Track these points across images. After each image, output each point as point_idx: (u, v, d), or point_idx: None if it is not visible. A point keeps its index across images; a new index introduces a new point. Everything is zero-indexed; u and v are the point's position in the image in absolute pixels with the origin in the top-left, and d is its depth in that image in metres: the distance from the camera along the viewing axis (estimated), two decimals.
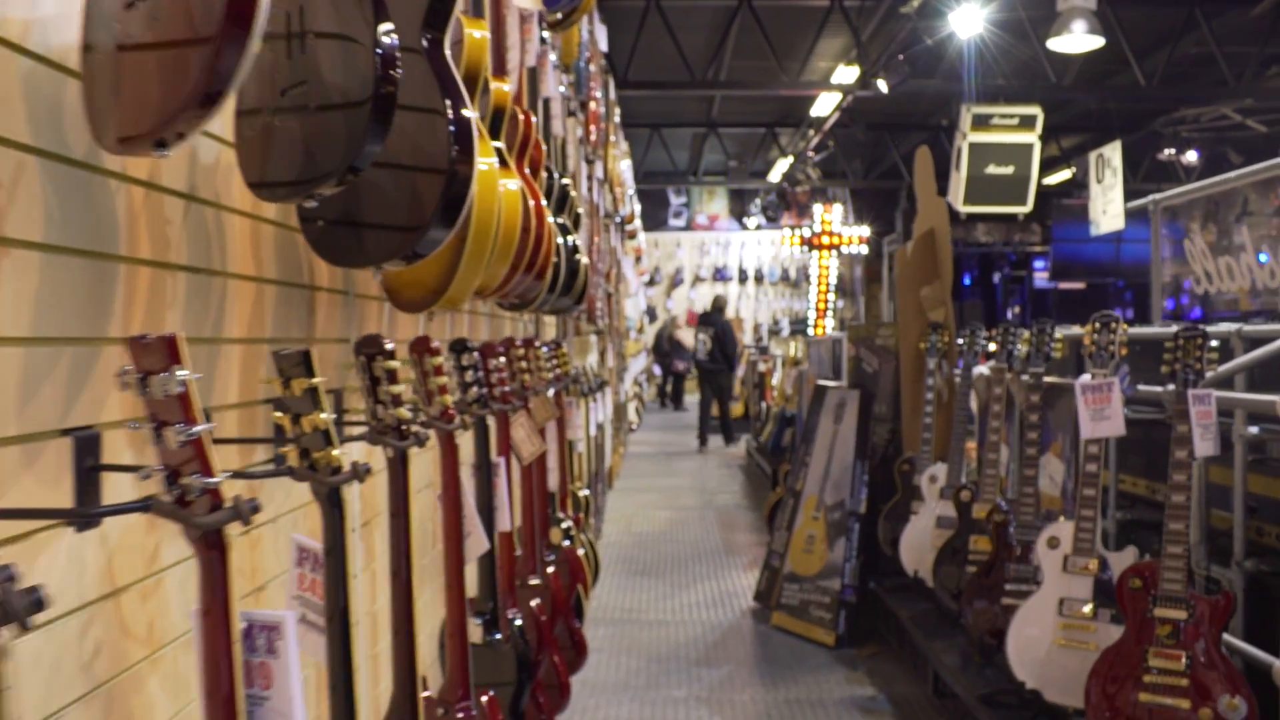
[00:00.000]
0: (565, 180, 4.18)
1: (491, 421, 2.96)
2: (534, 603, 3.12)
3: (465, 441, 3.13)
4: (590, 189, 6.74)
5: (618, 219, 12.33)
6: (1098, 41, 10.40)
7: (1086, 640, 3.15)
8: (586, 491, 4.97)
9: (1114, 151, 12.01)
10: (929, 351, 5.12)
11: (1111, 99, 13.77)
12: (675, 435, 15.35)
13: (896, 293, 5.79)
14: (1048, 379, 3.92)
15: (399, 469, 1.94)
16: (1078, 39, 10.29)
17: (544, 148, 3.40)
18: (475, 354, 2.66)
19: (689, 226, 23.15)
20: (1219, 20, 11.45)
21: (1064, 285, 19.02)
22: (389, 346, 1.78)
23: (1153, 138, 15.69)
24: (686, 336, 21.75)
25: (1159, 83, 11.90)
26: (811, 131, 14.73)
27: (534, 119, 2.96)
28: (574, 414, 4.74)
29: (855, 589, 5.25)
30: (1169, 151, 14.47)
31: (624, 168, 12.75)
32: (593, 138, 7.21)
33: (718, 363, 13.80)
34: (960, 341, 4.92)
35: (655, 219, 22.64)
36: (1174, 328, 3.24)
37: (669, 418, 18.48)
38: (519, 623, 2.79)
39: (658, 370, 20.83)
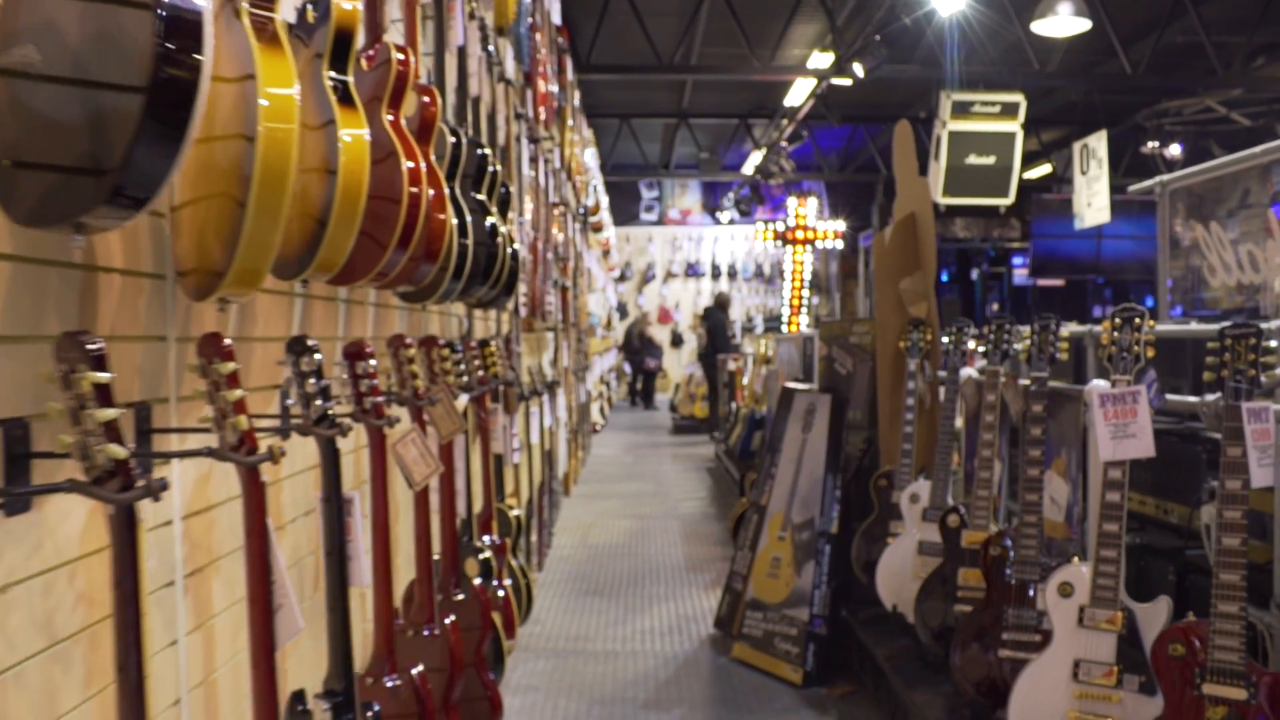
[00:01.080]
0: (483, 149, 3.51)
1: (347, 441, 2.29)
2: (416, 671, 2.45)
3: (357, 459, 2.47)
4: (537, 171, 6.07)
5: (580, 210, 11.67)
6: (1084, 24, 9.80)
7: (1108, 713, 2.51)
8: (519, 512, 4.30)
9: (1099, 142, 11.42)
10: (909, 351, 4.48)
11: (1097, 86, 13.18)
12: (643, 436, 14.69)
13: (874, 285, 5.15)
14: (1052, 384, 3.28)
15: (124, 533, 1.27)
16: (1063, 21, 9.69)
17: (439, 102, 2.73)
18: (317, 356, 1.99)
19: (661, 221, 22.49)
20: (1207, 7, 10.88)
21: (1043, 282, 18.48)
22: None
23: (1134, 132, 15.14)
24: (657, 333, 21.14)
25: (1145, 71, 11.32)
26: (785, 121, 14.10)
27: (412, 60, 2.30)
28: (498, 423, 4.07)
29: (825, 619, 4.61)
30: (1152, 145, 13.90)
31: (588, 157, 12.09)
32: (542, 116, 6.54)
33: (709, 357, 14.26)
34: (945, 340, 4.28)
35: (626, 213, 21.98)
36: (1212, 326, 2.60)
37: (638, 417, 17.83)
38: (379, 708, 2.12)
39: (628, 368, 20.17)
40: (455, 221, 3.10)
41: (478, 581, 3.25)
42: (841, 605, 4.73)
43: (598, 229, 13.83)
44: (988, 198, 11.37)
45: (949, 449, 3.99)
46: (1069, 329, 3.78)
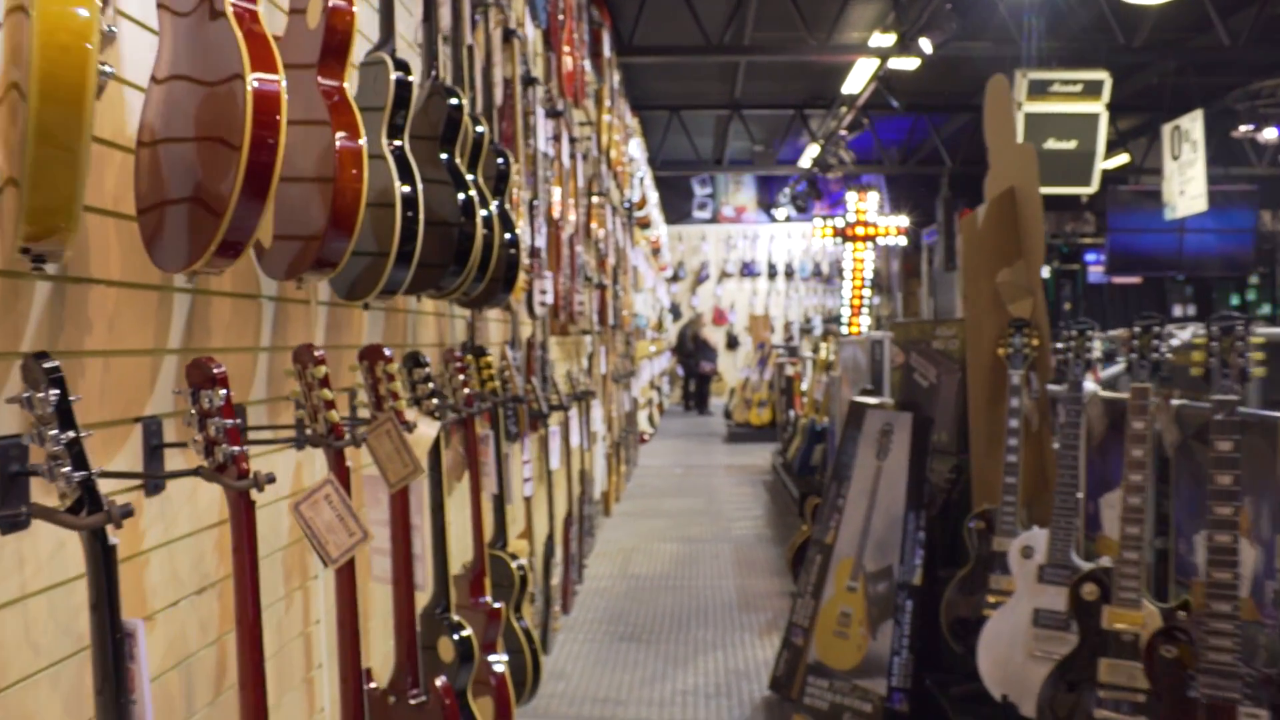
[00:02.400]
0: (455, 99, 2.63)
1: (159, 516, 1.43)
2: None
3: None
4: (560, 151, 5.18)
5: (625, 204, 10.79)
6: None
7: None
8: (523, 561, 3.40)
9: (1194, 123, 10.30)
10: (1011, 360, 3.53)
11: (1190, 61, 11.99)
12: (695, 444, 13.75)
13: (963, 278, 4.19)
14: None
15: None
16: None
17: (355, 14, 1.85)
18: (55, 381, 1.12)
19: (714, 219, 21.53)
20: None
21: (1118, 280, 17.28)
22: None
23: (1222, 116, 13.92)
24: (712, 335, 20.17)
25: (1246, 44, 10.16)
26: (844, 110, 13.09)
27: None
28: (489, 454, 3.18)
29: (907, 694, 3.66)
30: (1245, 128, 12.69)
31: (633, 148, 11.20)
32: (570, 88, 5.65)
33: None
34: (1059, 346, 3.32)
35: (678, 211, 21.06)
36: None
37: (691, 423, 16.89)
38: None
39: (681, 371, 19.23)
40: (403, 189, 2.22)
41: (439, 682, 2.35)
42: (927, 673, 3.78)
43: (645, 225, 12.93)
44: (1068, 186, 10.29)
45: (1072, 489, 3.03)
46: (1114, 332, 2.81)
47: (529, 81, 4.46)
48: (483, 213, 2.88)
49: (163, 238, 1.62)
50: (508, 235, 3.33)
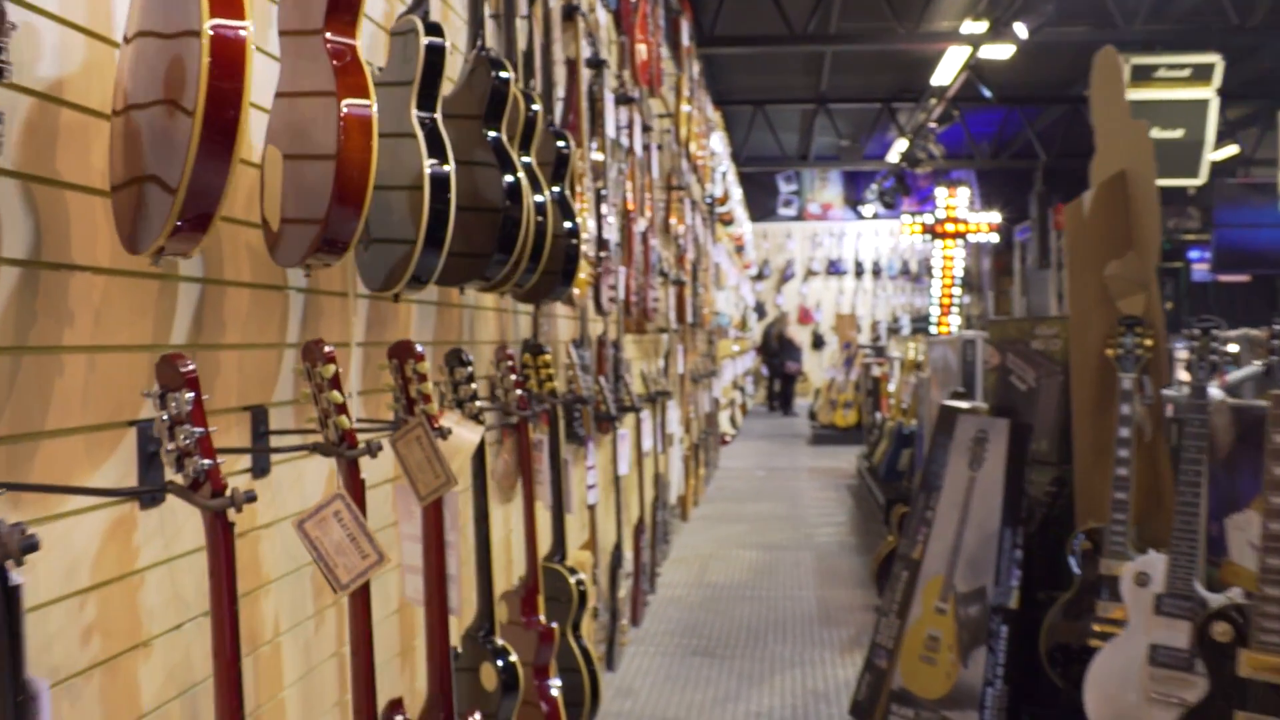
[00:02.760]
0: (501, 70, 2.38)
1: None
2: None
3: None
4: (632, 140, 4.92)
5: (707, 199, 10.50)
6: None
7: None
8: (583, 576, 3.15)
9: None
10: (1121, 362, 3.16)
11: None
12: (778, 446, 13.39)
13: (1067, 271, 3.82)
14: None
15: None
16: None
17: None
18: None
19: (800, 216, 21.09)
20: None
21: (1225, 278, 16.46)
22: None
23: None
24: (797, 335, 19.75)
25: None
26: (933, 102, 12.62)
27: None
28: (543, 460, 2.92)
29: None
30: None
31: (715, 142, 10.90)
32: (644, 75, 5.39)
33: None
34: (1178, 346, 2.95)
35: (763, 208, 20.68)
36: None
37: (775, 424, 16.51)
38: None
39: (765, 371, 18.86)
40: (433, 167, 1.97)
41: (476, 718, 2.10)
42: (1024, 706, 3.44)
43: (727, 221, 12.62)
44: (1174, 178, 9.74)
45: (1194, 509, 2.66)
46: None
47: (596, 64, 4.19)
48: (536, 198, 2.63)
49: (130, 215, 1.39)
50: (567, 224, 3.07)
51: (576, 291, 3.51)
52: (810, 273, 21.01)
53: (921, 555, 3.84)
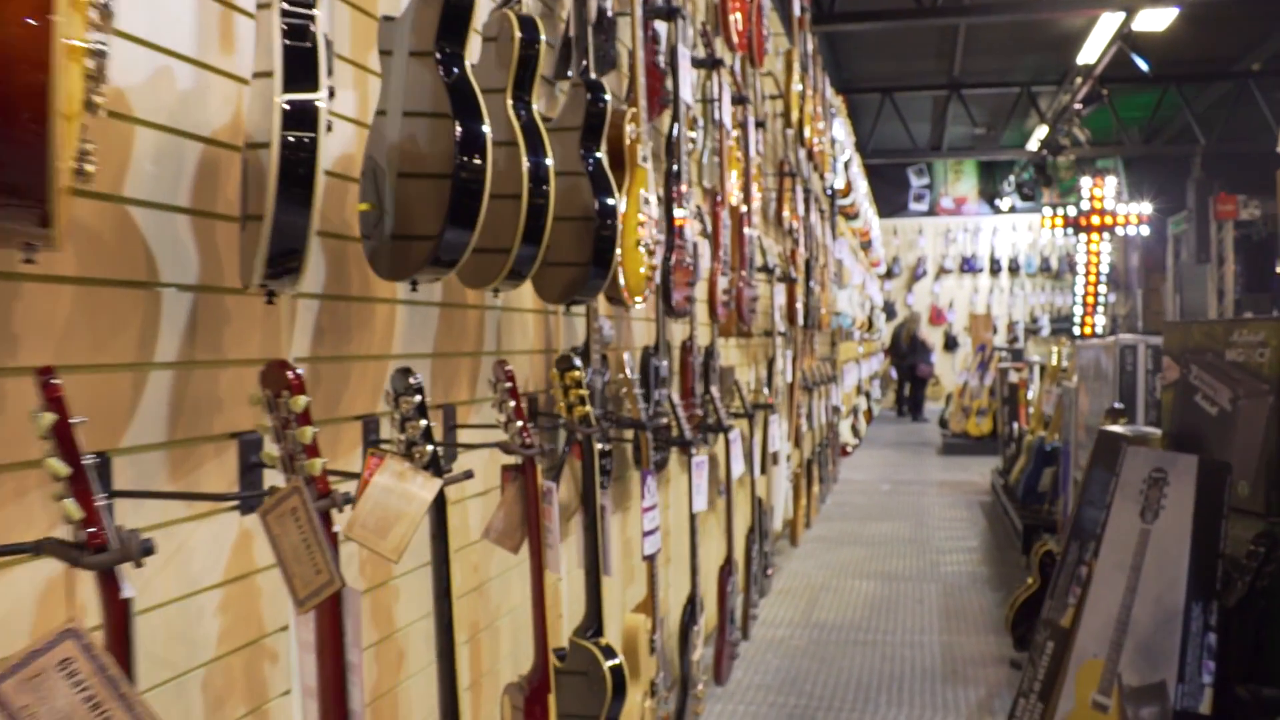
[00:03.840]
0: None
1: None
2: None
3: None
4: (720, 109, 4.13)
5: (828, 190, 9.61)
6: None
7: None
8: (616, 662, 2.38)
9: None
10: None
11: None
12: (906, 456, 12.36)
13: None
14: None
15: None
16: None
17: None
18: None
19: (932, 211, 19.87)
20: None
21: None
22: None
23: None
24: (929, 336, 18.56)
25: None
26: (1078, 80, 11.43)
27: None
28: (552, 513, 2.16)
29: None
30: None
31: (837, 130, 9.99)
32: (741, 41, 4.59)
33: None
34: None
35: (893, 203, 19.55)
36: None
37: (903, 431, 15.42)
38: None
39: (894, 374, 17.77)
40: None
41: None
42: None
43: (851, 215, 11.67)
44: None
45: None
46: None
47: (667, 13, 3.42)
48: (530, 160, 1.88)
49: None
50: (600, 201, 2.32)
51: (636, 291, 2.74)
52: (943, 270, 19.79)
53: (1074, 625, 2.95)
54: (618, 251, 2.39)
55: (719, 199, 4.05)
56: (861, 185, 12.91)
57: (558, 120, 2.44)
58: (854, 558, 6.90)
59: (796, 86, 6.84)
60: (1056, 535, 6.59)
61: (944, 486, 9.94)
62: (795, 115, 6.95)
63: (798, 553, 6.95)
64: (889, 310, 19.08)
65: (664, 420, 3.40)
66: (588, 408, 2.44)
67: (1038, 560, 4.57)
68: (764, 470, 5.41)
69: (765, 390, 5.72)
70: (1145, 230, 14.48)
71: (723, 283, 4.05)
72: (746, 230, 4.71)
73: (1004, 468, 8.53)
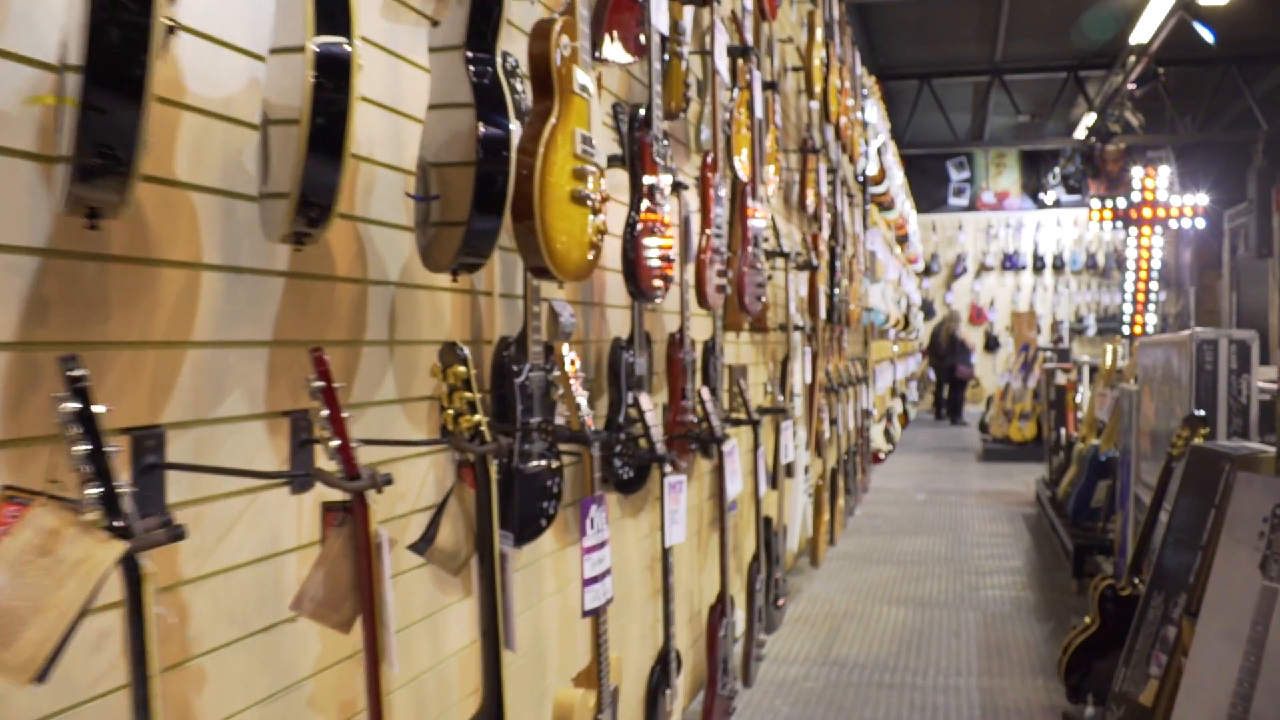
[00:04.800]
0: None
1: None
2: None
3: None
4: (712, 62, 3.40)
5: (859, 176, 8.84)
6: None
7: None
8: None
9: None
10: None
11: None
12: (943, 462, 11.52)
13: None
14: None
15: None
16: None
17: None
18: None
19: (973, 206, 18.96)
20: None
21: None
22: None
23: None
24: (969, 335, 17.66)
25: None
26: (1131, 59, 10.55)
27: None
28: (383, 576, 1.42)
29: None
30: None
31: (870, 112, 9.22)
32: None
33: None
34: None
35: (932, 198, 18.66)
36: None
37: (941, 435, 14.56)
38: None
39: (932, 375, 16.89)
40: None
41: None
42: None
43: (886, 206, 10.87)
44: None
45: None
46: None
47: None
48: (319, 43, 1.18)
49: None
50: (486, 123, 1.60)
51: (571, 261, 2.02)
52: (983, 268, 18.87)
53: (1160, 704, 2.18)
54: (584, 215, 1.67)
55: (710, 162, 3.31)
56: (897, 175, 12.09)
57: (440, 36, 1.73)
58: (883, 579, 6.13)
59: (821, 55, 6.08)
60: (1111, 556, 5.78)
61: (984, 497, 9.11)
62: (819, 87, 6.19)
63: (820, 573, 6.18)
64: (927, 309, 18.20)
65: (636, 434, 2.67)
66: (478, 416, 1.71)
67: (1096, 596, 3.78)
68: (775, 484, 4.66)
69: (779, 393, 4.97)
70: (1201, 223, 13.52)
71: (715, 263, 3.31)
72: (752, 204, 3.97)
73: (1051, 477, 7.71)
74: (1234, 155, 14.40)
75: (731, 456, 3.37)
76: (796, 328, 5.42)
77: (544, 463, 2.42)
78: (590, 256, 2.19)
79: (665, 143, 2.82)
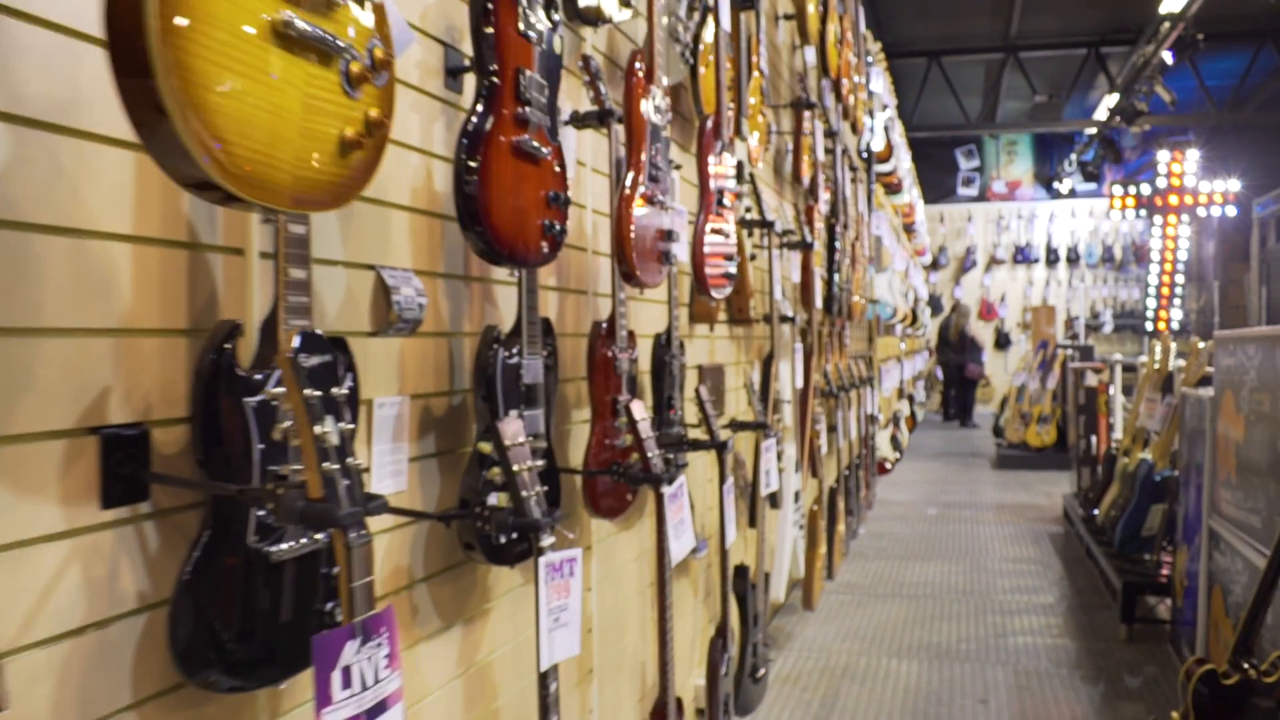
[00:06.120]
0: None
1: None
2: None
3: None
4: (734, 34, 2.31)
5: (863, 152, 7.75)
6: None
7: None
8: None
9: None
10: None
11: None
12: (954, 470, 10.42)
13: None
14: None
15: None
16: None
17: None
18: None
19: (983, 196, 17.82)
20: None
21: None
22: None
23: None
24: (980, 332, 16.53)
25: None
26: (1166, 27, 9.43)
27: None
28: None
29: None
30: None
31: (875, 81, 8.12)
32: None
33: None
34: None
35: (940, 188, 17.54)
36: None
37: (952, 439, 13.44)
38: None
39: (940, 374, 15.78)
40: None
41: None
42: None
43: (893, 189, 9.77)
44: None
45: None
46: None
47: None
48: None
49: None
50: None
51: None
52: (994, 261, 17.73)
53: None
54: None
55: (638, 72, 2.24)
56: (905, 157, 10.98)
57: None
58: (890, 621, 5.04)
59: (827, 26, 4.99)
60: (1167, 599, 4.69)
61: (1003, 511, 8.01)
62: (813, 33, 5.10)
63: (814, 616, 5.10)
64: (935, 304, 17.07)
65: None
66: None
67: (1191, 687, 2.70)
68: (753, 523, 3.58)
69: (758, 403, 3.89)
70: (1232, 211, 12.41)
71: (641, 213, 2.24)
72: (716, 149, 2.89)
73: (1083, 493, 6.61)
74: (1266, 138, 13.27)
75: (674, 501, 2.30)
76: (785, 319, 4.34)
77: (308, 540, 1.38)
78: (336, 165, 1.11)
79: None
